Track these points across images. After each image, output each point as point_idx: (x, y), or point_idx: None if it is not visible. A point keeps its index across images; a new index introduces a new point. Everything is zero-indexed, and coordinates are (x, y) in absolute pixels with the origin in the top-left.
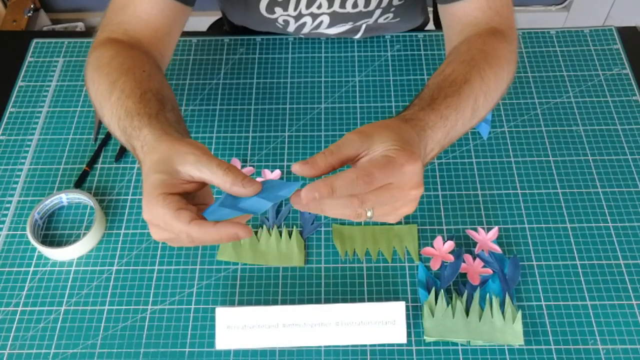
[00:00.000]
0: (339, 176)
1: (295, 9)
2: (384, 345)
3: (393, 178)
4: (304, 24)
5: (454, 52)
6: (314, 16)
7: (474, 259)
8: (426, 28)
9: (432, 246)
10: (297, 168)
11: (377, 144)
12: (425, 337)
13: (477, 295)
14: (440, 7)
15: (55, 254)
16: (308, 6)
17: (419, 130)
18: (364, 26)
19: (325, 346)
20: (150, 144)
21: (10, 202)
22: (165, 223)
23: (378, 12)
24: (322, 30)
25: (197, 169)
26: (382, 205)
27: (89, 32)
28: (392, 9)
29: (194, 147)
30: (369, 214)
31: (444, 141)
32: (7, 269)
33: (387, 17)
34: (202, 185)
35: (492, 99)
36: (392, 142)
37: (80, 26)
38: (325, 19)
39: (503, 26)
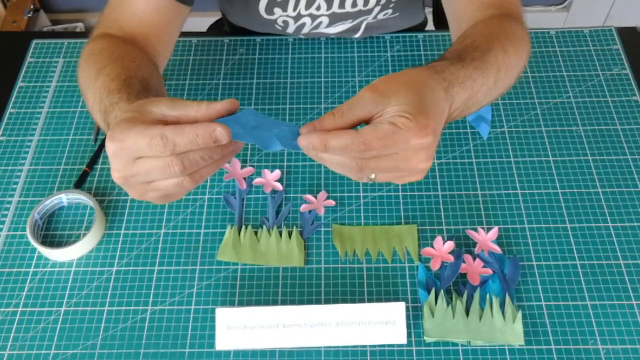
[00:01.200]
0: (335, 136)
1: (295, 9)
2: (384, 345)
3: (396, 149)
4: (303, 24)
5: (470, 29)
6: (313, 17)
7: (474, 259)
8: (426, 28)
9: (432, 246)
10: (304, 131)
11: (392, 106)
12: (425, 338)
13: (477, 295)
14: None
15: (55, 255)
16: (307, 7)
17: (448, 86)
18: (364, 24)
19: (325, 346)
20: (123, 108)
21: (10, 202)
22: (135, 140)
23: (377, 9)
24: (322, 29)
25: (171, 107)
26: (385, 172)
27: (88, 32)
28: (391, 5)
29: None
30: (372, 176)
31: (466, 105)
32: (7, 270)
33: (386, 13)
34: None
35: (511, 74)
36: (407, 107)
37: (80, 27)
38: (325, 20)
39: (512, 12)
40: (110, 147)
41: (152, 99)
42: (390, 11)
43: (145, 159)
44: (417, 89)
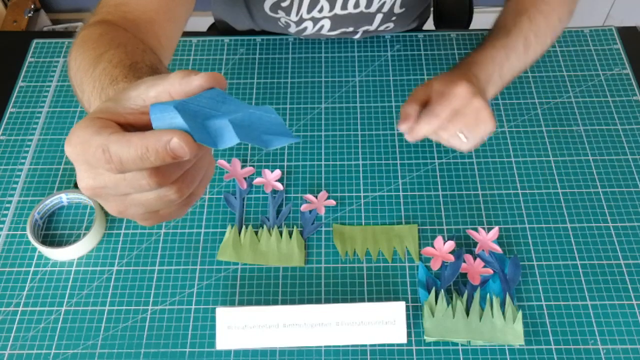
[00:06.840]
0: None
1: (297, 14)
2: (384, 345)
3: (450, 102)
4: (305, 28)
5: (509, 3)
6: (315, 20)
7: (475, 259)
8: (426, 28)
9: (433, 246)
10: (404, 128)
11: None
12: (425, 337)
13: (477, 295)
14: None
15: (56, 254)
16: (309, 10)
17: (465, 65)
18: (361, 30)
19: (325, 346)
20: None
21: (10, 202)
22: (82, 144)
23: (379, 17)
24: (323, 33)
25: (151, 85)
26: (455, 124)
27: None
28: (393, 18)
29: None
30: (463, 139)
31: (501, 71)
32: (7, 269)
33: (387, 27)
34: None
35: (543, 37)
36: (438, 79)
37: (80, 26)
38: (327, 23)
39: None
40: (68, 153)
41: (138, 81)
42: (391, 25)
43: None
44: (448, 72)
